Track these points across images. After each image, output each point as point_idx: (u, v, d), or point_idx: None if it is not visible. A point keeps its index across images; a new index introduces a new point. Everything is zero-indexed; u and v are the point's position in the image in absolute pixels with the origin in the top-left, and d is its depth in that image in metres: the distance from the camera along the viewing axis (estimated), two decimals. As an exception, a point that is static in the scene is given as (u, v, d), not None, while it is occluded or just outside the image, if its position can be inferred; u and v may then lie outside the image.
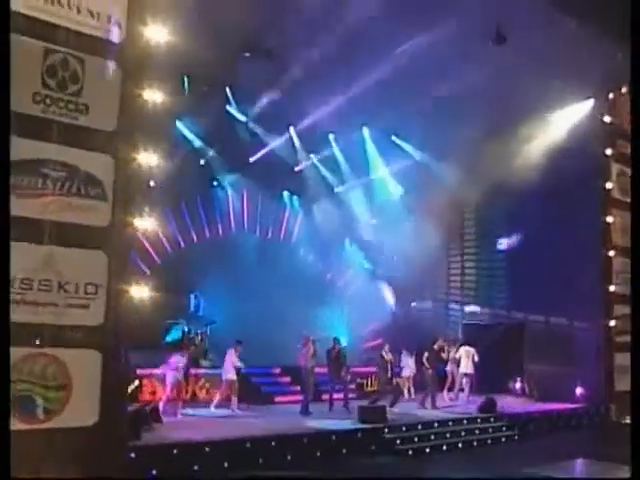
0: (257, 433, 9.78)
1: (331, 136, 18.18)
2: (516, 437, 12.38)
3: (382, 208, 19.54)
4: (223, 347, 13.01)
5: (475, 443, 11.60)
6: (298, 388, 13.76)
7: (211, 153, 16.51)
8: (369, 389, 15.84)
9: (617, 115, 16.18)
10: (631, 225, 9.64)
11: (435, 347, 14.19)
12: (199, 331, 14.88)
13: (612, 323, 15.70)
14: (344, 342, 14.58)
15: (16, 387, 7.14)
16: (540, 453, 11.11)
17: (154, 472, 8.23)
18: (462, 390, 15.16)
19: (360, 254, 19.98)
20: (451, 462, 10.36)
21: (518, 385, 17.18)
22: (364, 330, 18.07)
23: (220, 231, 17.33)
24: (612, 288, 15.81)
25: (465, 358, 15.06)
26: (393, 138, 18.36)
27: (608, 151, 16.29)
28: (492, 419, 12.72)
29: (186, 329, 14.64)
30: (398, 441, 10.70)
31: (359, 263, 20.00)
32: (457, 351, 15.32)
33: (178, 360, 11.77)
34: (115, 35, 8.16)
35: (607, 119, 16.24)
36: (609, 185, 16.19)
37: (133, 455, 8.13)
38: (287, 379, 14.50)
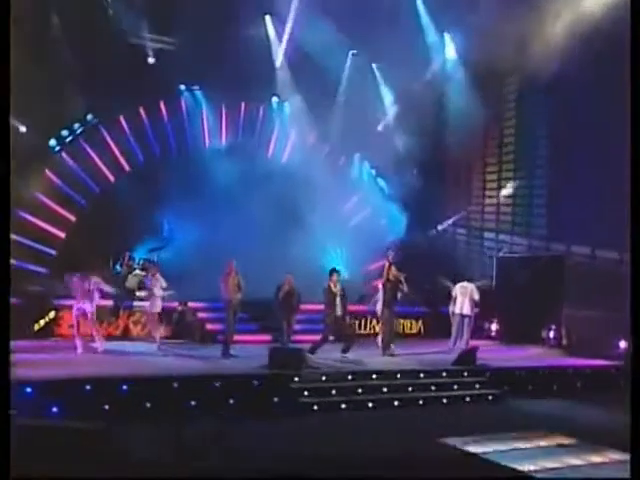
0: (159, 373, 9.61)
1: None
2: (490, 397, 10.76)
3: (400, 105, 17.69)
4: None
5: (421, 402, 10.18)
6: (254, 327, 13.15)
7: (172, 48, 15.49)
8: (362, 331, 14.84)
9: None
10: (631, 225, 7.92)
11: (389, 275, 12.50)
12: (142, 258, 14.34)
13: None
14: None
15: None
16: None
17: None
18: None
19: (370, 171, 18.45)
20: (365, 423, 9.10)
21: (552, 334, 15.26)
22: (370, 265, 16.82)
23: (189, 145, 16.49)
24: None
25: (461, 296, 13.53)
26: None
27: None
28: (464, 373, 11.15)
29: (128, 255, 14.15)
30: (305, 392, 9.56)
31: (368, 181, 18.50)
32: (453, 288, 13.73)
33: (81, 288, 11.21)
34: None
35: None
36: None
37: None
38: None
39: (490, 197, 18.40)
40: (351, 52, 17.73)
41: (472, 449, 7.87)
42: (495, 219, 18.19)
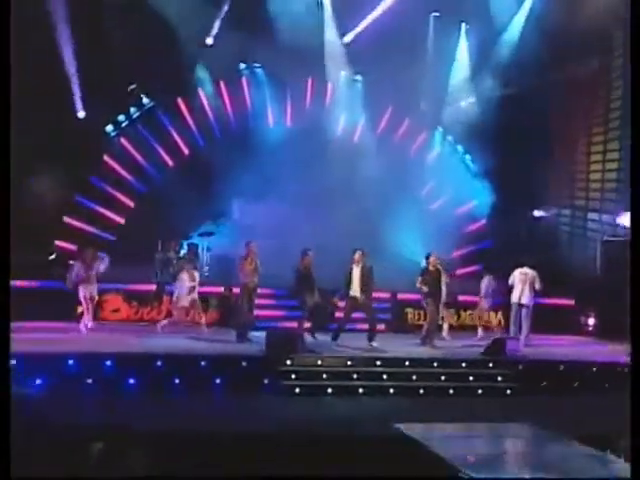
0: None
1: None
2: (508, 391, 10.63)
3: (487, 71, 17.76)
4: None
5: (421, 391, 10.32)
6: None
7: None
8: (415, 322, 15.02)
9: None
10: (631, 225, 7.70)
11: (430, 266, 12.60)
12: (190, 243, 15.54)
13: None
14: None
15: None
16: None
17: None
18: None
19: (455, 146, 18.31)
20: (347, 409, 9.49)
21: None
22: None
23: (251, 125, 17.60)
24: None
25: (520, 284, 13.22)
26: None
27: None
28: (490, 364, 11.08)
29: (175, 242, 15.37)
30: (293, 376, 10.14)
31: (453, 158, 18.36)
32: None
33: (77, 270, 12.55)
34: None
35: None
36: None
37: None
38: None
39: (595, 172, 17.47)
40: (433, 14, 17.64)
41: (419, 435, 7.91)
42: (600, 198, 17.23)
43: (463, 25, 17.94)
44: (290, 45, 15.94)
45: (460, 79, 18.32)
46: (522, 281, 13.44)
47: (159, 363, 10.20)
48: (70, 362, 9.93)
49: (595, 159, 17.53)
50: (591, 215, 17.54)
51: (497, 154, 17.29)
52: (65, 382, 9.56)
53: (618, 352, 12.82)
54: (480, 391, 10.63)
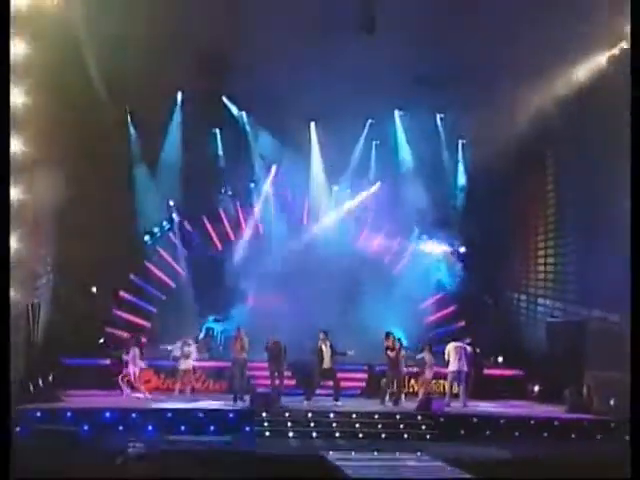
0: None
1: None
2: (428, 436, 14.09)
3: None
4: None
5: (360, 435, 13.88)
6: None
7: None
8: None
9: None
10: (631, 226, 11.22)
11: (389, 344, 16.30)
12: (206, 327, 19.67)
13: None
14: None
15: None
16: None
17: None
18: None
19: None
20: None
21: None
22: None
23: (257, 232, 21.84)
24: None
25: (456, 355, 16.65)
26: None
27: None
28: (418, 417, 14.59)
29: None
30: (266, 424, 13.86)
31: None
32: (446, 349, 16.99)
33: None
34: None
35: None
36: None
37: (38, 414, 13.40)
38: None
39: (540, 265, 21.05)
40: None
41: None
42: (543, 287, 20.75)
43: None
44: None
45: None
46: (457, 352, 16.87)
47: (169, 415, 14.06)
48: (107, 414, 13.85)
49: (540, 254, 21.09)
50: (539, 300, 20.94)
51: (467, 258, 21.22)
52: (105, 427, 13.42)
53: (556, 412, 16.03)
54: (406, 435, 14.10)
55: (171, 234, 21.39)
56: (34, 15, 13.83)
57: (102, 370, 17.59)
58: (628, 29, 15.53)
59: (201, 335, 19.47)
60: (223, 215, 21.73)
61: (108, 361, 17.77)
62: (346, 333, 17.46)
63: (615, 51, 16.51)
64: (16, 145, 13.61)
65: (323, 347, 16.06)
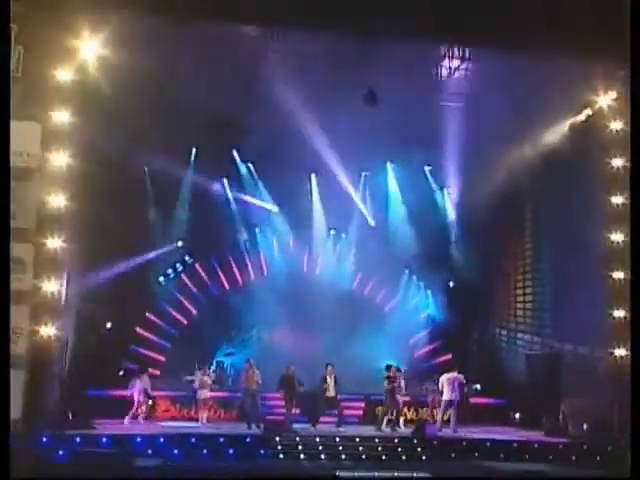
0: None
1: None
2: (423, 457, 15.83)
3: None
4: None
5: (364, 456, 15.58)
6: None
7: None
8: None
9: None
10: (631, 226, 13.12)
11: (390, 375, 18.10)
12: (217, 360, 21.35)
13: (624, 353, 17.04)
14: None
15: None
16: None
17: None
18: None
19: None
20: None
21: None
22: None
23: (260, 274, 23.57)
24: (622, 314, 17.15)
25: (448, 386, 18.46)
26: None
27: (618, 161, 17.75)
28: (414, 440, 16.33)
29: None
30: (279, 447, 15.54)
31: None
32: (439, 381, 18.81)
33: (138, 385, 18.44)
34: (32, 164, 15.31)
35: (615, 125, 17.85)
36: (619, 199, 17.68)
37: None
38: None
39: (519, 303, 23.04)
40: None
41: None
42: (523, 322, 22.72)
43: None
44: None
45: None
46: (450, 383, 18.66)
47: (193, 440, 15.69)
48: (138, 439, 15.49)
49: (519, 294, 23.09)
50: (519, 335, 22.87)
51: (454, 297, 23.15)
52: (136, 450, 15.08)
53: (536, 436, 17.76)
54: (404, 457, 15.83)
55: (183, 275, 22.94)
56: (75, 88, 15.66)
57: (121, 400, 19.13)
58: (593, 97, 17.97)
59: (212, 368, 20.97)
60: (230, 258, 23.37)
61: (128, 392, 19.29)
62: (344, 366, 19.12)
63: (581, 117, 18.52)
64: (60, 200, 15.32)
65: (328, 378, 17.75)
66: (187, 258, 23.02)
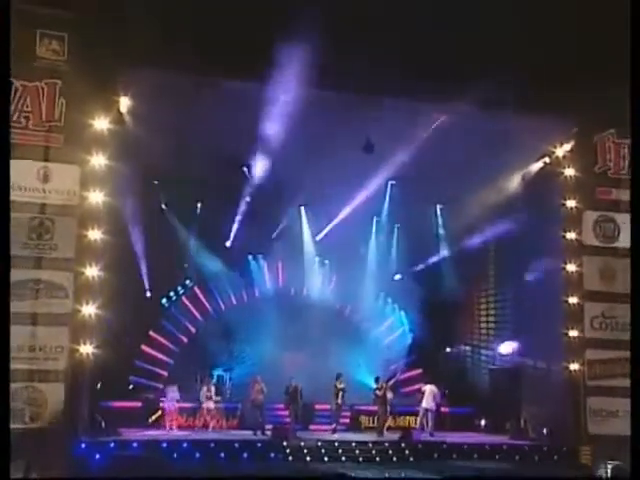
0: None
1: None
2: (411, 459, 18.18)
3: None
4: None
5: (361, 459, 17.84)
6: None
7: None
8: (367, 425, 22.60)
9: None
10: (631, 227, 15.07)
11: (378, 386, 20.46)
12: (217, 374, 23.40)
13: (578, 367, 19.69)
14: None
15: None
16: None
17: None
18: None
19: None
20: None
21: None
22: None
23: (251, 295, 25.73)
24: (575, 333, 19.86)
25: (429, 395, 20.90)
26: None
27: (571, 202, 20.54)
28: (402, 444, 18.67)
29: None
30: (287, 450, 17.68)
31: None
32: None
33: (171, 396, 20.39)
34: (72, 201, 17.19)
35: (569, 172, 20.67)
36: (572, 235, 20.42)
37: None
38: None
39: (483, 323, 25.74)
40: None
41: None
42: (487, 340, 25.41)
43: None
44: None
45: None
46: (430, 393, 21.14)
47: (212, 445, 17.72)
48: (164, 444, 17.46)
49: (482, 314, 25.80)
50: (483, 351, 25.53)
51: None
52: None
53: (501, 440, 20.29)
54: (394, 458, 18.17)
55: (184, 298, 24.97)
56: (110, 135, 17.68)
57: (134, 411, 21.01)
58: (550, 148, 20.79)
59: (213, 381, 22.96)
60: (226, 282, 25.50)
61: (139, 403, 21.21)
62: (328, 379, 21.34)
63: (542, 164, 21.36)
64: (96, 233, 17.25)
65: (338, 385, 20.08)
66: (188, 282, 24.98)
